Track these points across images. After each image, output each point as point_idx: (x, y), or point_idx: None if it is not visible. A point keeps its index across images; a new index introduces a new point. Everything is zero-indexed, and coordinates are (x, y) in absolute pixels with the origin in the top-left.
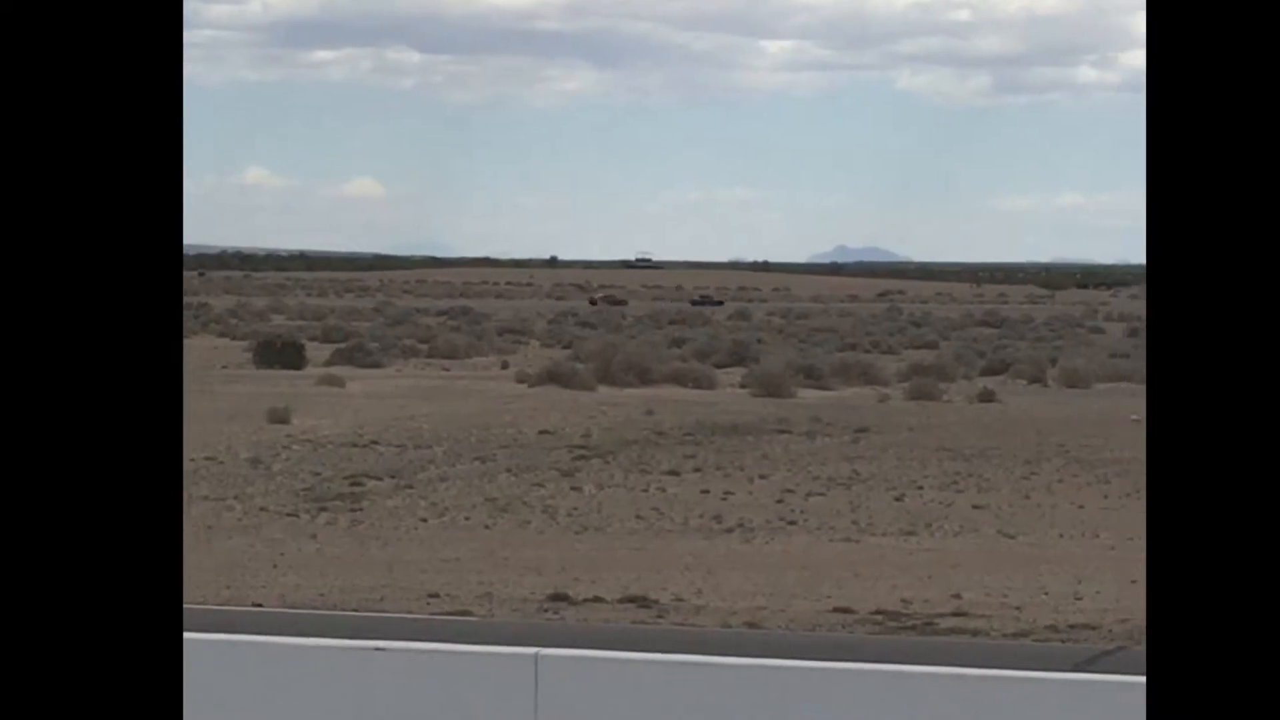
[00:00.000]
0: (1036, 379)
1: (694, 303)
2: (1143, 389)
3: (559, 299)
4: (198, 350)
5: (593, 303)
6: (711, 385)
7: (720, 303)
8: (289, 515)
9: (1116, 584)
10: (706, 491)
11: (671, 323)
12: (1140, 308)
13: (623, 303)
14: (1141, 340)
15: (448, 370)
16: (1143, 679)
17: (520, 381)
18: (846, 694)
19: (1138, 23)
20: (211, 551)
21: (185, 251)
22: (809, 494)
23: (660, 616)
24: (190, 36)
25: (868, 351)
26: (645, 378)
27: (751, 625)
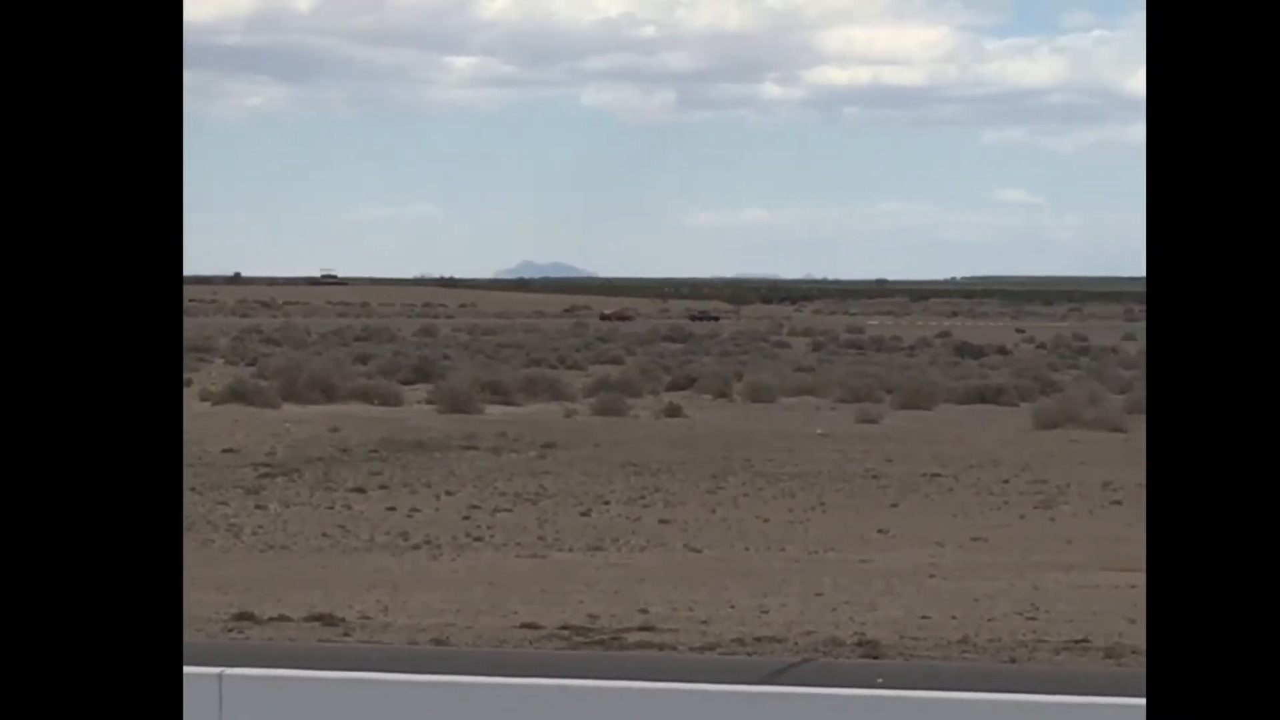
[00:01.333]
0: (722, 394)
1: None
2: (826, 403)
3: (243, 316)
4: None
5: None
6: (398, 402)
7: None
8: None
9: (802, 596)
10: (393, 509)
11: (357, 339)
12: (822, 322)
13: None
14: (825, 354)
15: None
16: (825, 690)
17: (204, 399)
18: (533, 709)
19: (821, 39)
20: None
21: None
22: (496, 510)
23: (346, 634)
24: None
25: (554, 367)
26: (330, 394)
27: (438, 642)
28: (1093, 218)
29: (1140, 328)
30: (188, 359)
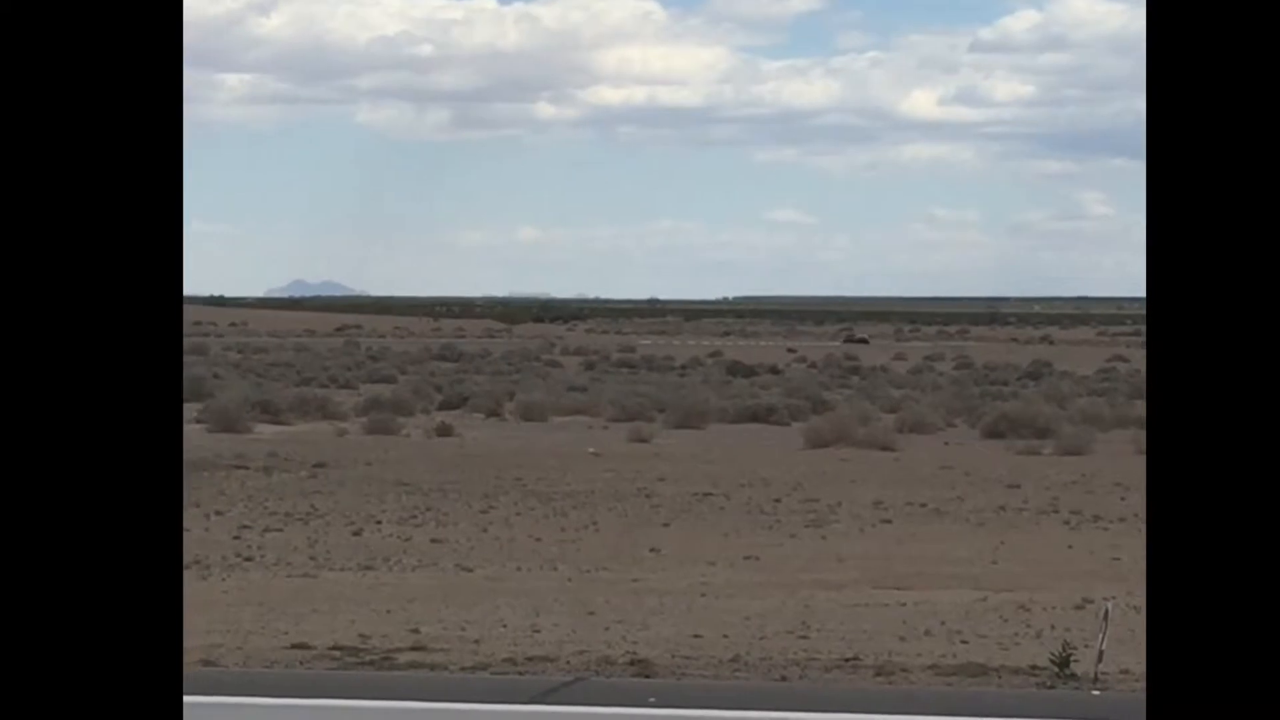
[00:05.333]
0: (494, 413)
1: (846, 340)
2: (598, 422)
3: None
4: None
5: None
6: None
7: (866, 340)
8: None
9: (573, 615)
10: None
11: None
12: (594, 341)
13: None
14: (597, 374)
15: None
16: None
17: None
18: None
19: (597, 59)
20: None
21: None
22: (266, 530)
23: None
24: None
25: (325, 386)
26: None
27: (208, 663)
28: (862, 238)
29: (909, 347)
30: None
